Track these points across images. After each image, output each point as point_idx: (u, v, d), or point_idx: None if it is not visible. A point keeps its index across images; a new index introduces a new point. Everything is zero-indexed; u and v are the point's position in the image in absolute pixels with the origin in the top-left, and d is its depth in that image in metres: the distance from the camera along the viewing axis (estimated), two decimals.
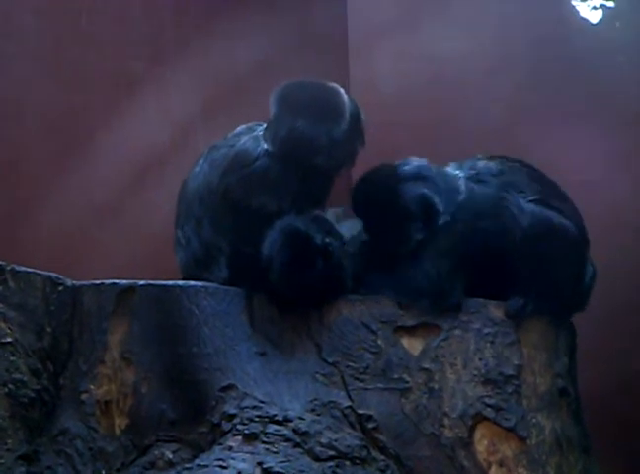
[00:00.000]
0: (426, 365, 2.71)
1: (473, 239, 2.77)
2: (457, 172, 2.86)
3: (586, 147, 3.65)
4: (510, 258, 2.76)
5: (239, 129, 2.93)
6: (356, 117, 2.84)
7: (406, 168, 2.85)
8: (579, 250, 2.86)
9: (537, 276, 2.77)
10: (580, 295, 2.88)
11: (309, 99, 2.81)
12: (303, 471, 2.55)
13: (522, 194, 2.81)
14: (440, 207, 2.78)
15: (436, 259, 2.76)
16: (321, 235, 2.73)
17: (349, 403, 2.68)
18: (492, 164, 2.87)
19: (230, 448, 2.59)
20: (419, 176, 2.83)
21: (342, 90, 2.84)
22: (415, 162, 2.87)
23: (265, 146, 2.80)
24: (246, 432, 2.61)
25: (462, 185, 2.82)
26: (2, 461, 2.58)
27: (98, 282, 2.80)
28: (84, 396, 2.73)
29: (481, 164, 2.87)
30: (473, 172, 2.85)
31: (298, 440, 2.61)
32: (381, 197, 2.84)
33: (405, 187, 2.81)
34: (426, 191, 2.80)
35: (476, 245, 2.77)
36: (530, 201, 2.80)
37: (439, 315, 2.73)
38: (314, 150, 2.77)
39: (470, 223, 2.78)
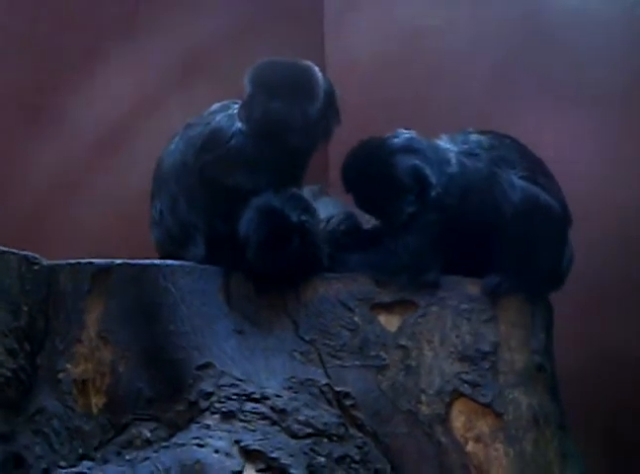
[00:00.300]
0: (403, 342, 2.71)
1: (462, 214, 2.77)
2: (449, 145, 2.85)
3: (564, 125, 3.65)
4: (494, 234, 2.76)
5: (214, 107, 2.91)
6: (330, 95, 2.83)
7: (396, 140, 2.83)
8: (561, 230, 2.87)
9: (518, 254, 2.78)
10: (557, 275, 2.89)
11: (283, 78, 2.79)
12: (281, 448, 2.55)
13: (513, 170, 2.81)
14: (433, 180, 2.77)
15: (419, 233, 2.76)
16: (297, 213, 2.72)
17: (326, 380, 2.68)
18: (483, 138, 2.86)
19: (208, 427, 2.59)
20: (410, 148, 2.81)
21: (316, 68, 2.83)
22: (405, 134, 2.85)
23: (239, 125, 2.79)
24: (223, 410, 2.62)
25: (453, 158, 2.81)
26: None
27: (74, 262, 2.78)
28: (61, 375, 2.72)
29: (473, 138, 2.86)
30: (465, 146, 2.84)
31: (276, 418, 2.61)
32: (373, 170, 2.83)
33: (396, 159, 2.80)
34: (418, 162, 2.78)
35: (464, 220, 2.76)
36: (520, 178, 2.80)
37: (416, 291, 2.73)
38: (289, 130, 2.76)
39: (461, 197, 2.77)
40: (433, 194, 2.77)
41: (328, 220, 2.92)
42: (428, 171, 2.78)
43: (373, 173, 2.83)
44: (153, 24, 3.87)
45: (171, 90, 3.84)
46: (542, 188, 2.82)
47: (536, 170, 2.86)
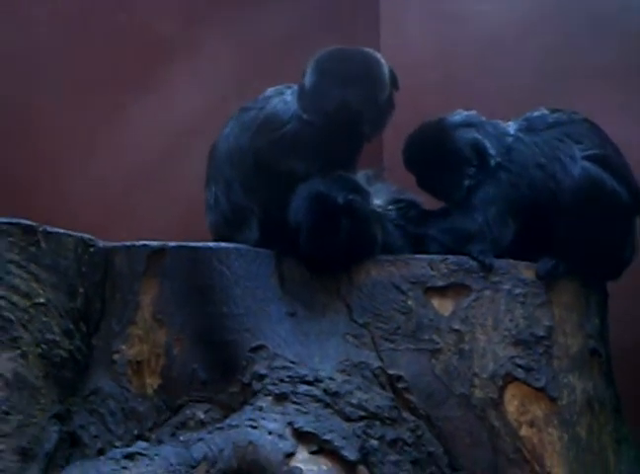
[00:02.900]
0: (456, 326, 2.71)
1: (521, 188, 2.78)
2: (510, 123, 2.89)
3: (617, 112, 3.61)
4: (553, 213, 2.76)
5: (268, 92, 2.92)
6: (394, 82, 2.85)
7: (455, 117, 2.90)
8: (625, 220, 2.83)
9: (575, 237, 2.75)
10: (616, 265, 2.86)
11: (352, 67, 2.79)
12: (334, 431, 2.56)
13: (580, 145, 2.80)
14: (492, 151, 2.81)
15: (481, 206, 2.79)
16: (344, 193, 2.71)
17: (379, 364, 2.69)
18: (549, 115, 2.87)
19: (261, 409, 2.60)
20: (469, 123, 2.88)
21: (381, 58, 2.84)
22: (464, 112, 2.91)
23: (297, 111, 2.79)
24: (276, 392, 2.63)
25: (512, 132, 2.85)
26: (35, 420, 2.61)
27: (129, 244, 2.81)
28: (116, 356, 2.74)
29: (536, 114, 2.88)
30: (525, 123, 2.87)
31: (329, 401, 2.62)
32: (433, 145, 2.89)
33: (456, 133, 2.86)
34: (477, 135, 2.84)
35: (523, 195, 2.78)
36: (587, 156, 2.78)
37: (483, 266, 2.72)
38: (363, 121, 2.78)
39: (519, 171, 2.79)
40: (492, 163, 2.81)
41: (391, 204, 2.92)
42: (487, 143, 2.83)
43: (434, 148, 2.88)
44: (216, 14, 3.89)
45: (231, 81, 3.85)
46: (612, 170, 2.78)
47: (608, 150, 2.83)
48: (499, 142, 2.84)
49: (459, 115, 2.91)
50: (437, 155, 2.88)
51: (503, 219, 2.78)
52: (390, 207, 2.90)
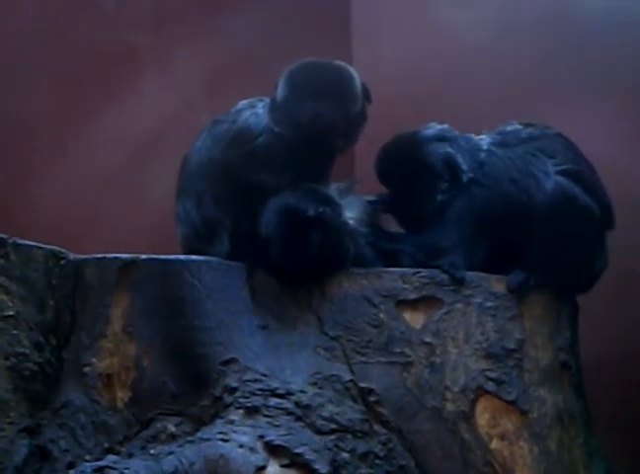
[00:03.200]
0: (428, 339, 2.71)
1: (493, 203, 2.79)
2: (483, 137, 2.90)
3: (597, 122, 3.63)
4: (525, 226, 2.76)
5: (240, 105, 2.91)
6: (366, 95, 2.85)
7: (428, 131, 2.90)
8: (596, 234, 2.84)
9: (546, 251, 2.76)
10: (587, 278, 2.87)
11: (324, 80, 2.78)
12: (305, 444, 2.55)
13: (553, 160, 2.81)
14: (464, 166, 2.82)
15: (452, 221, 2.80)
16: (314, 206, 2.70)
17: (350, 377, 2.68)
18: (522, 129, 2.88)
19: (232, 422, 2.59)
20: (442, 137, 2.88)
21: (354, 70, 2.83)
22: (437, 126, 2.92)
23: (269, 124, 2.79)
24: (248, 405, 2.62)
25: (485, 147, 2.85)
26: (5, 434, 2.60)
27: (100, 256, 2.79)
28: (87, 369, 2.73)
29: (510, 129, 2.89)
30: (499, 137, 2.88)
31: (300, 414, 2.61)
32: (406, 159, 2.89)
33: (429, 147, 2.86)
34: (450, 150, 2.84)
35: (495, 210, 2.79)
36: (561, 171, 2.79)
37: (440, 288, 2.72)
38: (335, 134, 2.77)
39: (491, 186, 2.80)
40: (464, 179, 2.81)
41: (363, 218, 2.92)
42: (459, 158, 2.83)
43: (406, 162, 2.89)
44: (184, 23, 3.88)
45: (201, 90, 3.85)
46: (584, 185, 2.79)
47: (581, 166, 2.84)
48: (472, 157, 2.84)
49: (433, 128, 2.91)
50: (409, 169, 2.88)
51: (476, 235, 2.79)
52: (362, 220, 2.90)
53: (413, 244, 2.82)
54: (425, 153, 2.85)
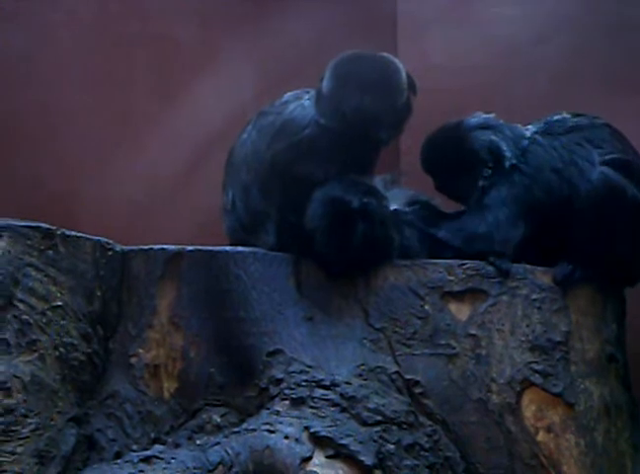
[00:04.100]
0: (473, 331, 2.70)
1: (532, 190, 2.79)
2: (528, 126, 2.90)
3: (628, 117, 3.60)
4: (570, 217, 2.75)
5: (286, 96, 2.92)
6: (411, 88, 2.85)
7: (473, 120, 2.92)
8: None
9: (592, 243, 2.74)
10: (634, 272, 2.85)
11: (370, 72, 2.78)
12: (350, 435, 2.56)
13: (599, 150, 2.79)
14: (508, 153, 2.82)
15: (495, 207, 2.79)
16: (359, 197, 2.71)
17: (396, 368, 2.69)
18: (569, 119, 2.87)
19: (277, 413, 2.61)
20: (486, 125, 2.90)
21: (399, 62, 2.83)
22: (482, 115, 2.94)
23: (315, 116, 2.79)
24: (293, 396, 2.63)
25: (529, 136, 2.86)
26: (53, 423, 2.62)
27: (146, 247, 2.81)
28: (133, 360, 2.75)
29: (556, 118, 2.89)
30: (543, 126, 2.88)
31: (345, 405, 2.62)
32: (450, 147, 2.91)
33: (473, 135, 2.88)
34: (493, 137, 2.85)
35: (536, 196, 2.79)
36: (607, 161, 2.77)
37: (486, 279, 2.72)
38: (381, 125, 2.77)
39: (534, 174, 2.80)
40: (507, 165, 2.81)
41: (406, 207, 2.93)
42: (503, 145, 2.83)
43: (451, 150, 2.90)
44: (234, 24, 3.89)
45: (249, 91, 3.85)
46: (633, 176, 2.77)
47: (629, 156, 2.81)
48: (515, 144, 2.84)
49: (478, 117, 2.93)
50: (453, 156, 2.90)
51: (513, 220, 2.78)
52: (406, 210, 2.91)
53: (450, 230, 2.82)
54: (468, 140, 2.87)
